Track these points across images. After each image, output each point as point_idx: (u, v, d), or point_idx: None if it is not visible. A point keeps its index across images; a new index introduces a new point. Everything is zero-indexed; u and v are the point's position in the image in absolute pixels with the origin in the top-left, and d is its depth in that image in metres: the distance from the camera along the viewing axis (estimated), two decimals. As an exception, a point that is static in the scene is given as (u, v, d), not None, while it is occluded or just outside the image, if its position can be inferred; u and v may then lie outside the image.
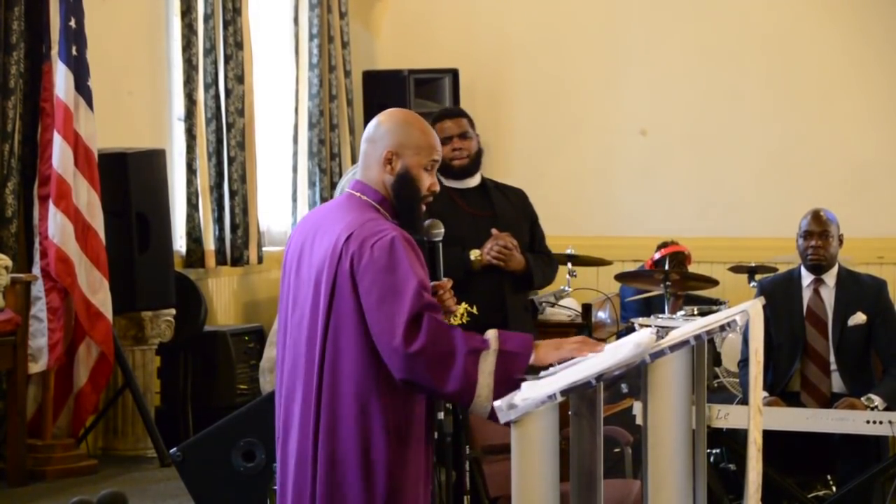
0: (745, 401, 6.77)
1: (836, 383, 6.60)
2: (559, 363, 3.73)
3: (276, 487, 4.53)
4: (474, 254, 5.96)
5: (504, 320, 5.89)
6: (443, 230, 4.23)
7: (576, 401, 3.51)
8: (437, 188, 4.03)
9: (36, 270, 7.40)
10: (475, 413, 3.73)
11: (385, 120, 3.98)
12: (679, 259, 8.78)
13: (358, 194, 3.95)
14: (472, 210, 6.09)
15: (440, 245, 4.20)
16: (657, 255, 8.73)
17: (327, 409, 3.80)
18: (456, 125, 6.17)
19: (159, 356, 8.36)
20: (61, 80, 7.43)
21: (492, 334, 3.74)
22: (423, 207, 4.01)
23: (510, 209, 6.16)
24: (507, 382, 3.63)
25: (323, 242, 3.86)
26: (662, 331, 3.69)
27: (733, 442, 6.39)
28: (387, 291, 3.71)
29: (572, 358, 3.74)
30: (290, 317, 3.94)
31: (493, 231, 5.98)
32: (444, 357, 3.67)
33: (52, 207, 7.35)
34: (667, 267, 8.60)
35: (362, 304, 3.75)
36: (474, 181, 6.18)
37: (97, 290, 7.52)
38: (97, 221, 7.56)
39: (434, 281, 3.99)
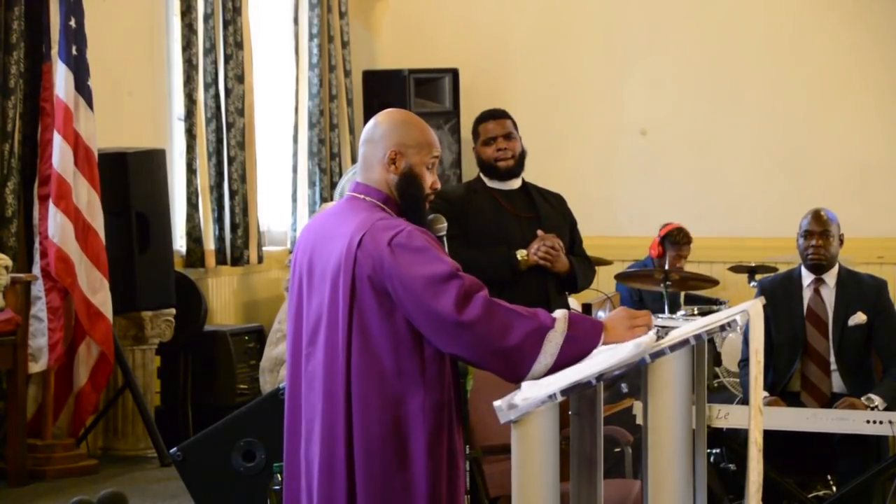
0: (745, 401, 6.76)
1: (837, 383, 6.60)
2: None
3: (276, 487, 4.52)
4: (521, 254, 6.00)
5: None
6: (446, 225, 4.22)
7: (576, 401, 3.51)
8: (439, 186, 4.02)
9: (36, 270, 7.40)
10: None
11: (384, 120, 3.97)
12: (683, 234, 8.85)
13: (362, 196, 3.94)
14: (515, 211, 6.12)
15: (445, 240, 4.20)
16: (659, 237, 8.82)
17: (359, 407, 3.78)
18: (499, 126, 6.20)
19: (159, 356, 8.36)
20: (61, 79, 7.43)
21: (561, 315, 3.70)
22: (427, 206, 4.00)
23: (551, 212, 6.19)
24: (565, 366, 3.62)
25: (335, 247, 3.84)
26: (662, 330, 3.68)
27: (733, 442, 6.38)
28: (424, 279, 3.68)
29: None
30: (305, 324, 3.93)
31: (539, 232, 6.02)
32: (501, 332, 3.65)
33: (52, 207, 7.34)
34: (669, 245, 8.70)
35: (398, 301, 3.72)
36: (517, 183, 6.21)
37: (97, 290, 7.52)
38: (97, 221, 7.55)
39: None
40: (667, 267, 8.62)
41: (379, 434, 3.78)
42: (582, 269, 6.16)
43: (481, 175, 6.23)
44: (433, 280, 3.68)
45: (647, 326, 3.71)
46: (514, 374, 3.68)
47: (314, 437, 3.87)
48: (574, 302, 8.02)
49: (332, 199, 9.21)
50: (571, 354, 3.65)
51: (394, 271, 3.72)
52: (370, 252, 3.76)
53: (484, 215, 6.11)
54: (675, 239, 8.82)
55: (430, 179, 3.96)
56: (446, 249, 4.15)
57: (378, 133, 3.95)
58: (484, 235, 6.05)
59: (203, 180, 8.82)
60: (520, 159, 6.19)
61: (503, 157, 6.14)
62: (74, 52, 7.48)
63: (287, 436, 3.99)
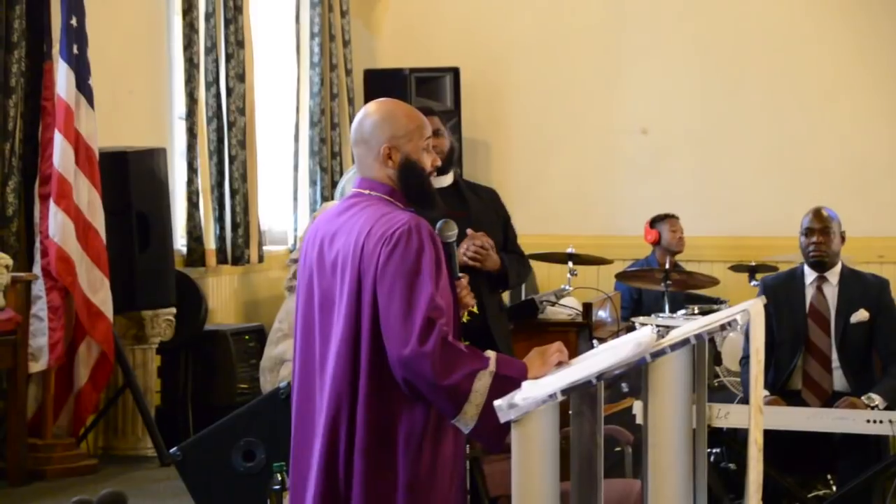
0: (745, 400, 6.76)
1: (838, 381, 6.60)
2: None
3: (276, 487, 4.52)
4: None
5: (484, 321, 5.87)
6: (456, 231, 4.22)
7: (576, 400, 3.51)
8: (439, 163, 4.07)
9: (36, 269, 7.40)
10: (458, 427, 3.77)
11: (369, 116, 3.97)
12: (666, 214, 9.02)
13: (367, 191, 3.95)
14: (445, 209, 6.05)
15: (454, 245, 4.19)
16: (648, 225, 9.04)
17: (366, 400, 3.80)
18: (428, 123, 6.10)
19: (159, 355, 8.36)
20: (62, 78, 7.43)
21: (491, 356, 3.75)
22: (432, 187, 4.04)
23: (483, 208, 6.08)
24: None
25: (346, 242, 3.85)
26: (663, 330, 3.68)
27: (733, 441, 6.38)
28: (405, 296, 3.72)
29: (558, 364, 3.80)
30: (317, 319, 3.92)
31: (469, 231, 5.93)
32: (446, 366, 3.68)
33: (52, 206, 7.34)
34: (660, 223, 8.83)
35: (378, 301, 3.75)
36: (447, 180, 6.08)
37: (98, 290, 7.52)
38: (98, 220, 7.55)
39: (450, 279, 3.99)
40: (667, 245, 8.91)
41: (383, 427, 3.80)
42: (514, 266, 6.06)
43: None
44: (412, 298, 3.71)
45: (561, 354, 3.79)
46: (448, 408, 3.72)
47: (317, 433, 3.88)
48: (575, 302, 8.02)
49: (332, 199, 9.20)
50: (501, 393, 3.64)
51: (386, 272, 3.75)
52: (375, 247, 3.78)
53: None
54: (663, 216, 9.00)
55: (430, 160, 3.99)
56: (455, 254, 4.16)
57: (367, 132, 3.94)
58: None
59: (204, 179, 8.82)
60: (448, 156, 6.08)
61: None
62: (75, 50, 7.47)
63: (297, 434, 3.98)
